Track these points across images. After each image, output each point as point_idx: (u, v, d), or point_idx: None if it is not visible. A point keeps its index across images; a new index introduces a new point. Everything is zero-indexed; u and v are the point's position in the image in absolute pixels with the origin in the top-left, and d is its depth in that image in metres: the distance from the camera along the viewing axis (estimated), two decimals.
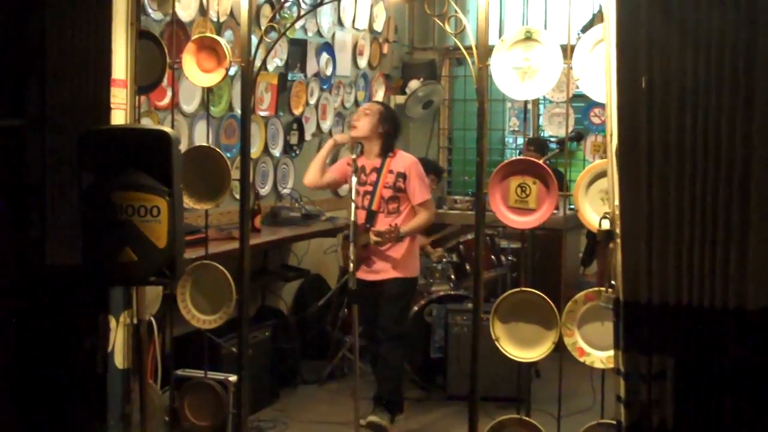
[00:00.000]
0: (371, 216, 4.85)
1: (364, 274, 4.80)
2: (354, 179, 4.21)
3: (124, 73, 3.64)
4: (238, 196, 4.11)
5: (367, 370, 5.23)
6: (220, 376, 4.11)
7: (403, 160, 4.92)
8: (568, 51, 3.41)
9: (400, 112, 7.67)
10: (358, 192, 4.69)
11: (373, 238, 4.72)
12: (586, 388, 4.42)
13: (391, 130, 4.95)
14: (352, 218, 4.13)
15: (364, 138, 4.85)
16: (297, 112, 6.37)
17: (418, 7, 7.73)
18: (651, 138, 2.88)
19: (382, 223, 4.79)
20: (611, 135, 3.03)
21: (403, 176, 4.84)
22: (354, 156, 4.42)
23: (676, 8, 2.83)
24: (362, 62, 7.19)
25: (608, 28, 3.03)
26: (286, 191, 6.26)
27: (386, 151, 4.90)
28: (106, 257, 3.11)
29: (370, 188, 4.86)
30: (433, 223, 5.16)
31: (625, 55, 2.91)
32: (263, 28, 3.99)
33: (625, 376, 2.99)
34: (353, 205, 4.21)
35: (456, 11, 3.53)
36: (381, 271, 4.87)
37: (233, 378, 4.05)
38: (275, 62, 6.00)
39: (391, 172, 4.85)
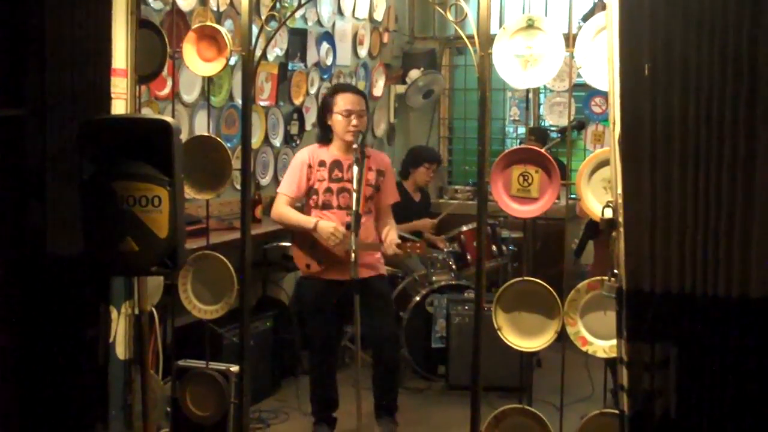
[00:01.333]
0: (357, 218, 4.20)
1: (336, 274, 4.46)
2: (356, 168, 4.16)
3: (124, 62, 3.63)
4: (238, 187, 4.10)
5: (368, 361, 5.22)
6: (221, 366, 4.10)
7: (381, 157, 4.70)
8: (569, 39, 3.40)
9: (400, 102, 7.69)
10: (331, 190, 4.52)
11: (394, 249, 4.40)
12: (588, 377, 4.42)
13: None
14: (354, 207, 4.10)
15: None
16: (297, 101, 6.36)
17: None
18: (654, 126, 2.87)
19: (364, 225, 4.40)
20: (614, 123, 3.02)
21: (383, 174, 4.63)
22: (355, 145, 4.34)
23: None
24: (362, 52, 7.17)
25: (611, 16, 3.02)
26: None
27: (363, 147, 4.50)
28: (107, 247, 3.11)
29: (350, 186, 4.27)
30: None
31: (628, 42, 2.90)
32: (263, 17, 3.97)
33: (628, 365, 2.99)
34: (354, 195, 4.17)
35: None
36: (365, 269, 4.46)
37: (235, 368, 4.04)
38: (275, 52, 5.99)
39: (370, 169, 4.54)
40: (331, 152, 4.56)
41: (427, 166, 6.46)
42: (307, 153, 4.61)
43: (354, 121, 4.46)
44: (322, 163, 4.53)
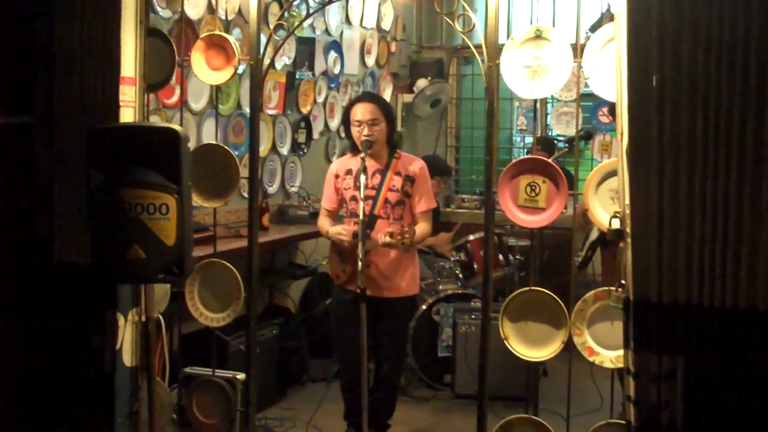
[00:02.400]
0: (371, 221, 4.37)
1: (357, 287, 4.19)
2: (363, 177, 4.16)
3: (132, 70, 3.64)
4: (246, 195, 4.10)
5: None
6: (227, 374, 4.11)
7: (412, 163, 4.53)
8: (577, 50, 3.40)
9: (407, 111, 7.69)
10: (356, 198, 4.38)
11: (383, 239, 4.22)
12: (595, 387, 4.40)
13: (394, 129, 4.57)
14: (361, 216, 4.10)
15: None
16: (305, 110, 6.37)
17: (426, 6, 7.73)
18: (662, 137, 2.87)
19: (383, 230, 4.32)
20: (621, 134, 3.02)
21: (411, 180, 4.47)
22: (363, 155, 4.32)
23: (687, 6, 2.82)
24: (370, 61, 7.18)
25: (619, 27, 3.02)
26: (293, 189, 6.26)
27: (392, 152, 4.51)
28: (114, 255, 3.11)
29: (372, 192, 4.40)
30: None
31: (636, 53, 2.90)
32: (272, 26, 3.99)
33: (634, 375, 2.98)
34: (361, 203, 4.17)
35: (465, 9, 3.52)
36: (385, 288, 4.44)
37: (241, 376, 4.05)
38: (283, 60, 6.00)
39: (398, 174, 4.45)
40: (359, 161, 4.39)
41: (438, 179, 6.46)
42: (336, 164, 4.64)
43: (365, 131, 4.41)
44: (348, 172, 4.52)
